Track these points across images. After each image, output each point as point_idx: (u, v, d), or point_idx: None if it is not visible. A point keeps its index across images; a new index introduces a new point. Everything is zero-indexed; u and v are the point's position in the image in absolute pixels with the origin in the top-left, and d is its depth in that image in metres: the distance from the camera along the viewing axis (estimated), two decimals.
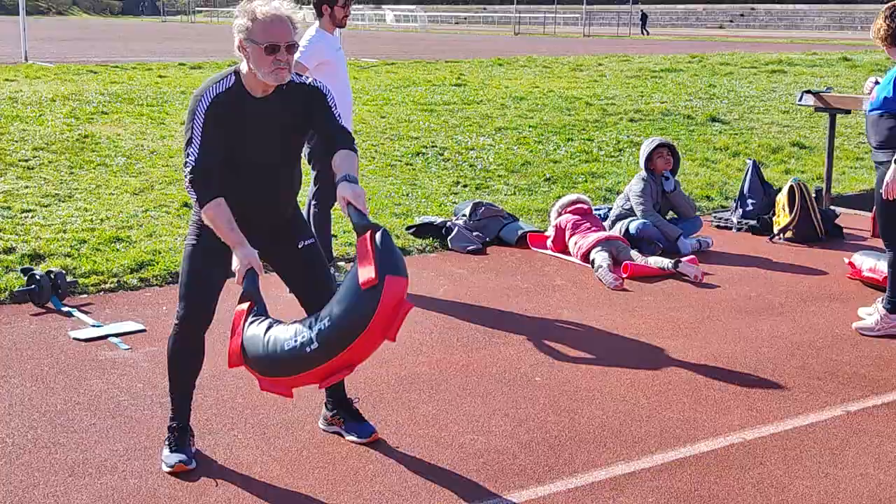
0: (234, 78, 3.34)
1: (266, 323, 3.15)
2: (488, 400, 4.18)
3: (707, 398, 4.23)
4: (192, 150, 3.26)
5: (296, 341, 3.01)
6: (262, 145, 3.39)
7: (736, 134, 11.90)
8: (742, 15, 65.70)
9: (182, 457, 3.51)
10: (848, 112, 8.18)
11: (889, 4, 4.93)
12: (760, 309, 5.51)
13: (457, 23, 74.76)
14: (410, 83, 17.81)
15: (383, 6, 77.70)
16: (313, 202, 5.66)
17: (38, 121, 11.68)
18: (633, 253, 6.32)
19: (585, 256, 6.30)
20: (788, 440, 3.83)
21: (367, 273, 2.91)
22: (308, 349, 2.99)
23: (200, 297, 3.48)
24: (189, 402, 3.61)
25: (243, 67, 3.35)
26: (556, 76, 19.94)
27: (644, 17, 55.93)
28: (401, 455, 3.66)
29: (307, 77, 3.52)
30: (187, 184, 3.29)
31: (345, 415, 3.80)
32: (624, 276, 6.02)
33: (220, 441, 3.74)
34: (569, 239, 6.52)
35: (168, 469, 3.49)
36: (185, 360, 3.55)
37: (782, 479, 3.50)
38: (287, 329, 3.08)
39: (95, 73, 18.71)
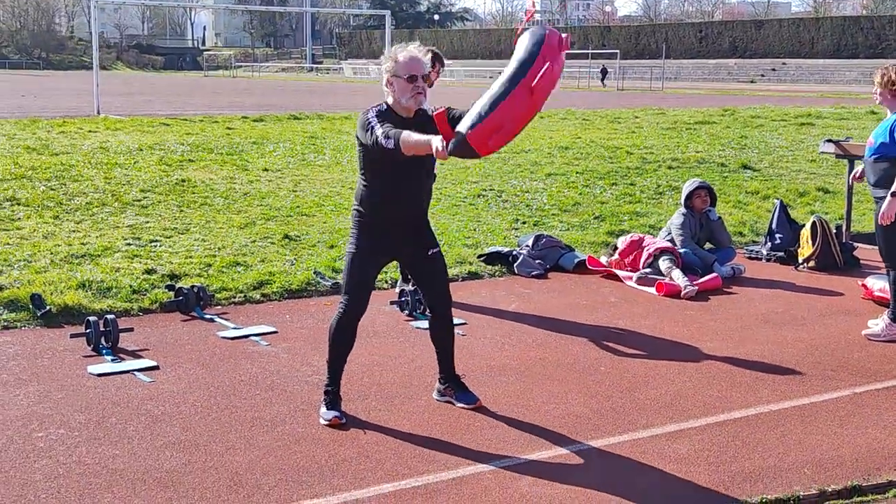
0: (385, 105, 4.47)
1: None
2: (564, 383, 5.24)
3: (740, 383, 5.26)
4: (376, 127, 4.25)
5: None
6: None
7: (766, 180, 12.95)
8: (773, 70, 66.91)
9: (336, 413, 4.60)
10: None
11: None
12: (785, 321, 6.53)
13: (491, 77, 76.49)
14: None
15: None
16: None
17: (135, 167, 13.04)
18: (677, 272, 7.37)
19: (655, 253, 7.54)
20: (805, 410, 4.85)
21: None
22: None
23: (359, 293, 4.61)
24: (341, 372, 4.71)
25: (389, 100, 4.46)
26: (595, 127, 21.14)
27: (604, 72, 57.56)
28: (500, 416, 4.73)
29: (431, 107, 4.56)
30: (381, 139, 4.19)
31: (455, 386, 4.88)
32: (660, 293, 7.09)
33: (359, 406, 4.83)
34: (642, 242, 7.76)
35: (325, 422, 4.58)
36: (343, 339, 4.65)
37: (800, 435, 4.52)
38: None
39: (168, 125, 20.21)
